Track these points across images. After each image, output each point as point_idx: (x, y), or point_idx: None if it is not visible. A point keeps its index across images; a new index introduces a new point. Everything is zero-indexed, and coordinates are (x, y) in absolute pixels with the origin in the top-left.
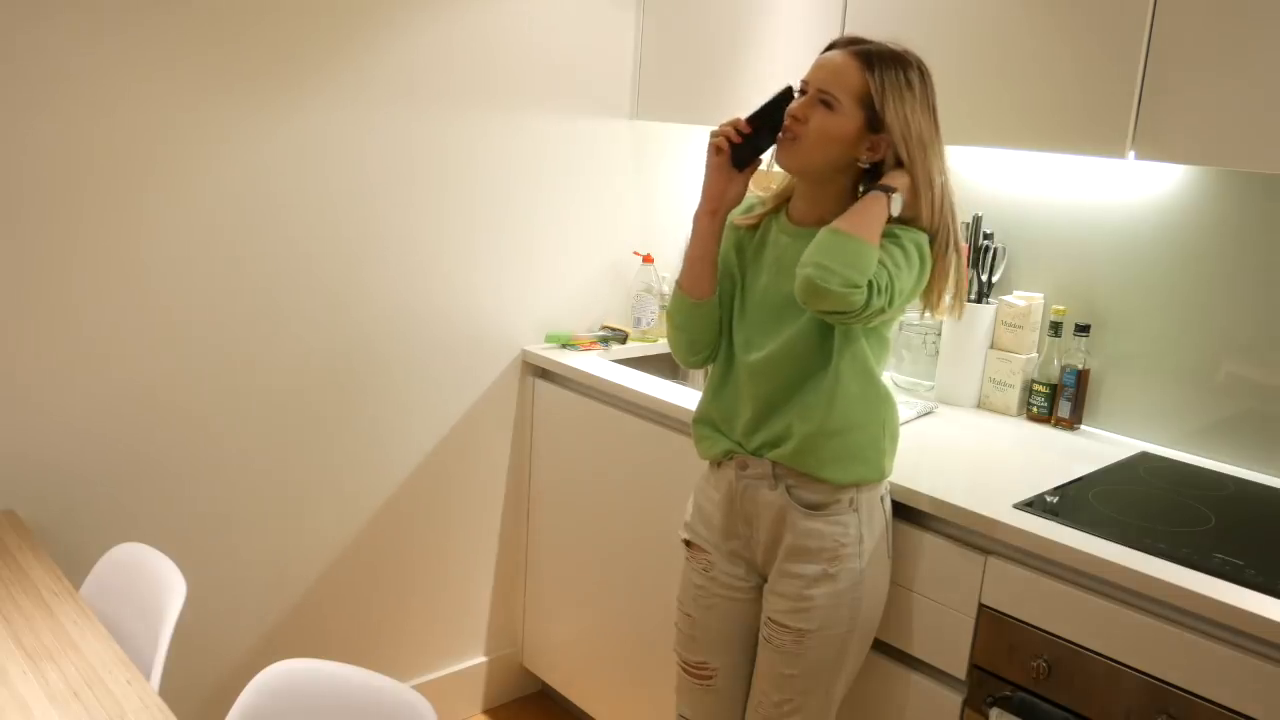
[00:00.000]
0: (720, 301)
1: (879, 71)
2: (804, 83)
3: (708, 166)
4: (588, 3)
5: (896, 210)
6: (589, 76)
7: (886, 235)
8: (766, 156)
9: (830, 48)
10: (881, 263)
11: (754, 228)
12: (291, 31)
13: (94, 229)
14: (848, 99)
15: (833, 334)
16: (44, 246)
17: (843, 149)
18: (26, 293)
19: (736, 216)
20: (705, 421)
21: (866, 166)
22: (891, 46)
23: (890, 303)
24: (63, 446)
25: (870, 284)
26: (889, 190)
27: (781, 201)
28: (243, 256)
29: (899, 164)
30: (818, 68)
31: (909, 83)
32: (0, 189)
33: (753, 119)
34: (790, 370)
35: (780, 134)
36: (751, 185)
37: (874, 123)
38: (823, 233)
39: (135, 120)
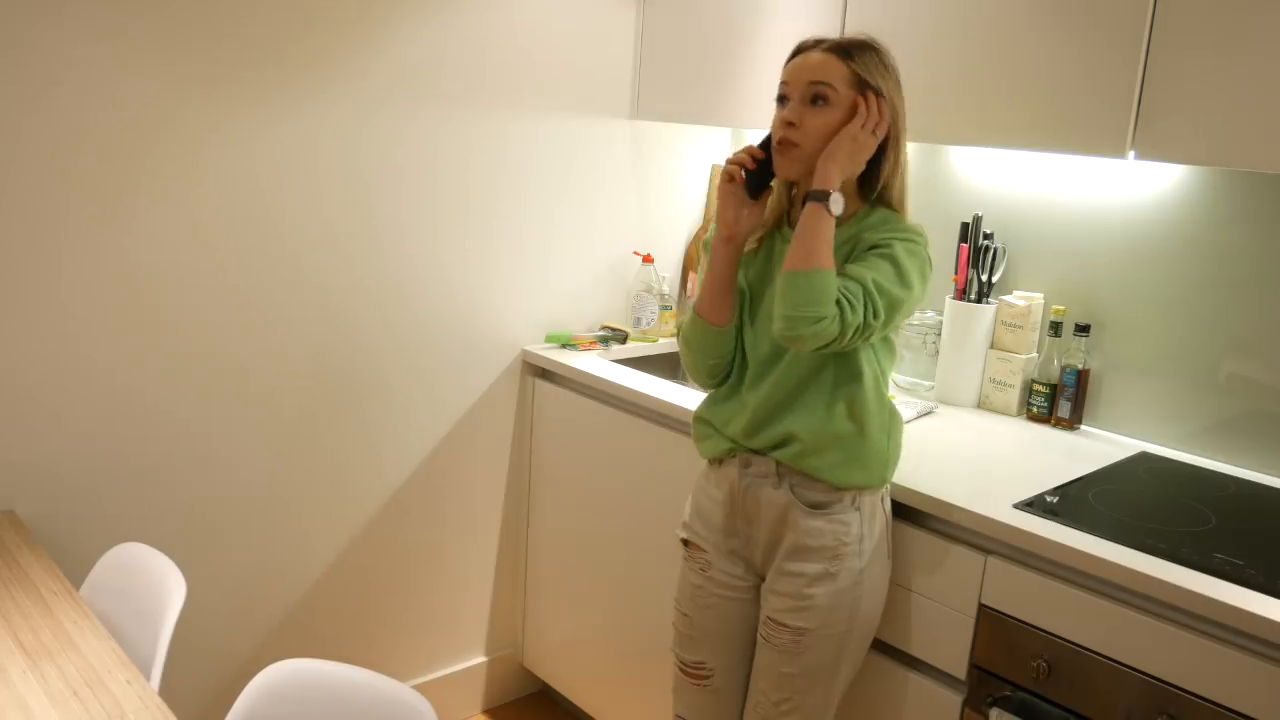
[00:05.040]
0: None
1: (858, 57)
2: (783, 87)
3: (721, 194)
4: (587, 3)
5: (838, 210)
6: (589, 76)
7: (876, 246)
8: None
9: (796, 54)
10: (851, 275)
11: (758, 249)
12: (287, 29)
13: (92, 229)
14: (841, 85)
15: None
16: (42, 247)
17: None
18: (26, 293)
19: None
20: (704, 421)
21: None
22: (854, 36)
23: (877, 314)
24: (62, 447)
25: (839, 303)
26: (823, 197)
27: (780, 217)
28: (243, 258)
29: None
30: (797, 69)
31: (885, 65)
32: None
33: (764, 145)
34: (792, 378)
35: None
36: None
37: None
38: (778, 279)
39: (130, 121)
